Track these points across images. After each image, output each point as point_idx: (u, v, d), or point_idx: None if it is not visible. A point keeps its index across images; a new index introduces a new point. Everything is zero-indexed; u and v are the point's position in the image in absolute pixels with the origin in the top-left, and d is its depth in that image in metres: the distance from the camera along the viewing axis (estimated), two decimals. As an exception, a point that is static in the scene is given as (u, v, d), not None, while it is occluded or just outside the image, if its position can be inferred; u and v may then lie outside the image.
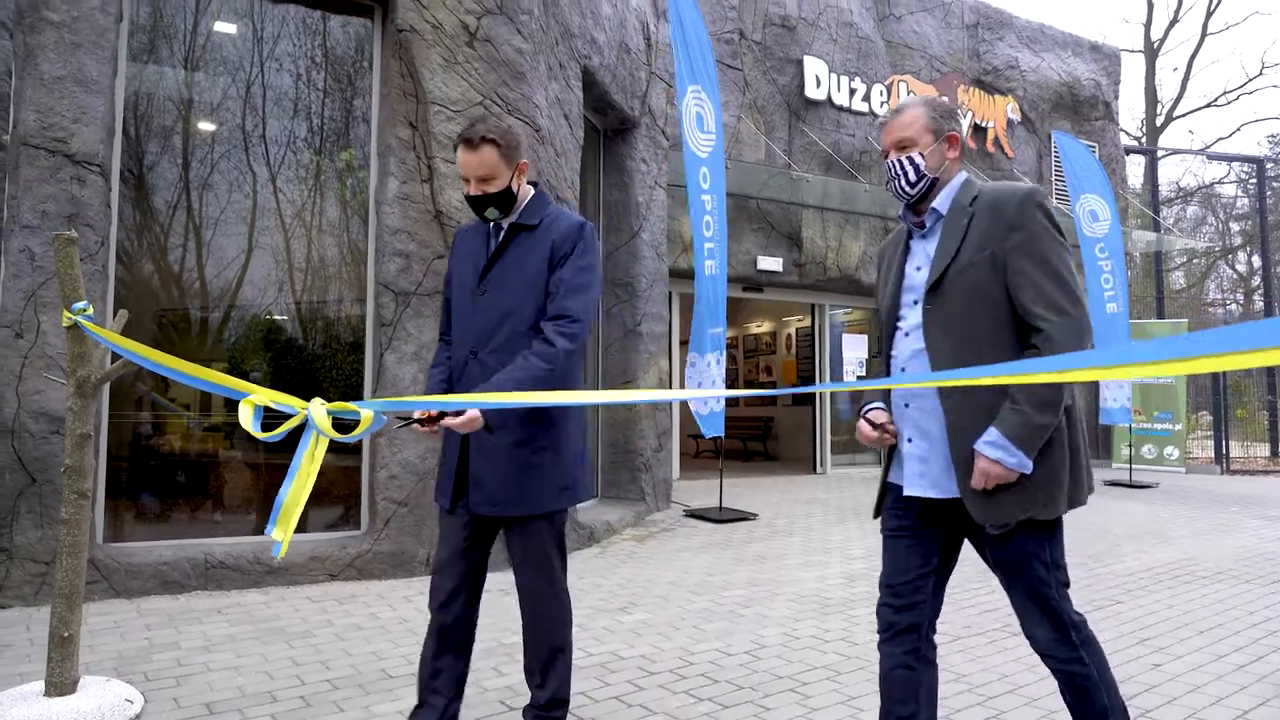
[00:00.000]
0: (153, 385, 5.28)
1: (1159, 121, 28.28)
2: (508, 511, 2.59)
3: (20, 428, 4.42)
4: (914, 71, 13.78)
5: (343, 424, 2.12)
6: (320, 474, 2.25)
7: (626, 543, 6.74)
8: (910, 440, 2.36)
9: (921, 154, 2.31)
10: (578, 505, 6.09)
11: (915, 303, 2.33)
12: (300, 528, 5.46)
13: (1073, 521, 8.21)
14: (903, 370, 2.35)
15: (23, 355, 4.45)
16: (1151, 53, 28.35)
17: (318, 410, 2.06)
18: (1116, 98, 16.33)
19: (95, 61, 4.70)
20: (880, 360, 2.51)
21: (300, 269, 5.72)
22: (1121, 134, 17.06)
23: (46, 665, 3.03)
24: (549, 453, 2.60)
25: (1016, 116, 14.71)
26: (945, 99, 2.45)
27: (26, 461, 4.42)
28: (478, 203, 2.63)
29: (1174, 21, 29.46)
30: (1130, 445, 12.27)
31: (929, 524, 2.36)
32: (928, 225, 2.36)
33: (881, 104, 13.26)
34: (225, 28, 5.53)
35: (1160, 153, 21.27)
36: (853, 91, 13.00)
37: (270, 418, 2.16)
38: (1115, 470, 13.53)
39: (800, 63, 12.51)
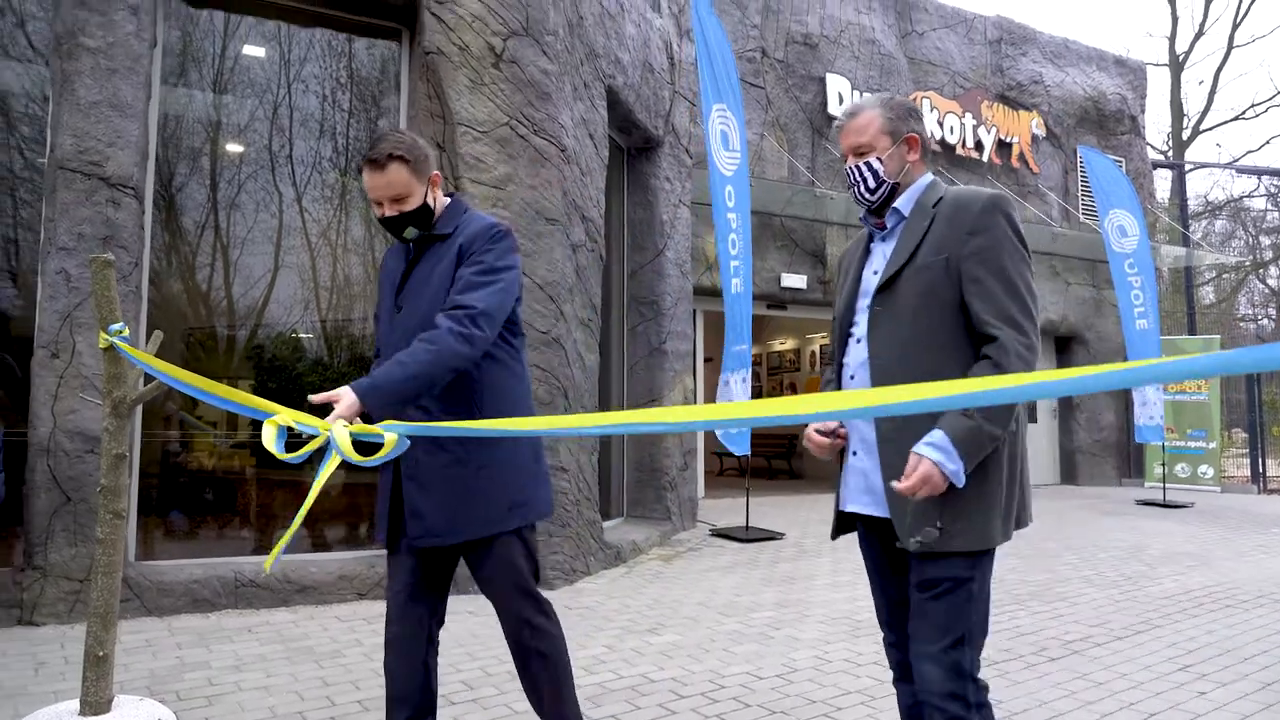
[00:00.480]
0: (182, 404, 5.32)
1: (1186, 135, 28.02)
2: (450, 539, 2.37)
3: (55, 446, 4.47)
4: (937, 88, 13.75)
5: (365, 446, 2.06)
6: (347, 492, 2.24)
7: (653, 562, 6.70)
8: (855, 453, 2.22)
9: (879, 159, 2.20)
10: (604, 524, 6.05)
11: (868, 306, 2.19)
12: (327, 546, 5.48)
13: (1104, 543, 8.08)
14: (851, 379, 2.22)
15: (59, 375, 4.51)
16: (1177, 66, 28.13)
17: (340, 432, 2.03)
18: (1143, 112, 16.19)
19: (130, 86, 4.78)
20: (832, 369, 2.37)
21: (325, 287, 5.77)
22: (1148, 148, 16.90)
23: (82, 684, 3.03)
24: (489, 471, 2.39)
25: (1041, 132, 14.62)
26: (903, 98, 2.31)
27: (61, 480, 4.47)
28: (394, 224, 2.46)
29: (1199, 34, 29.22)
30: (1163, 464, 12.06)
31: (889, 547, 2.22)
32: (888, 226, 2.25)
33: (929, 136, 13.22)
34: (253, 51, 5.61)
35: (1188, 166, 21.07)
36: (876, 108, 12.97)
37: (294, 437, 2.15)
38: (1148, 490, 13.32)
39: (822, 80, 12.51)
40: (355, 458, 2.01)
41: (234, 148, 5.55)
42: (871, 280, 2.22)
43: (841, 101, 12.62)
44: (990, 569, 2.07)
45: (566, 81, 6.11)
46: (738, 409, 1.57)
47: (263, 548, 5.39)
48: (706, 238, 10.90)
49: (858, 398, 1.46)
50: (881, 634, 2.35)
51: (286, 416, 2.12)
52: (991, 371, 1.96)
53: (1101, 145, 15.22)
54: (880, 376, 2.11)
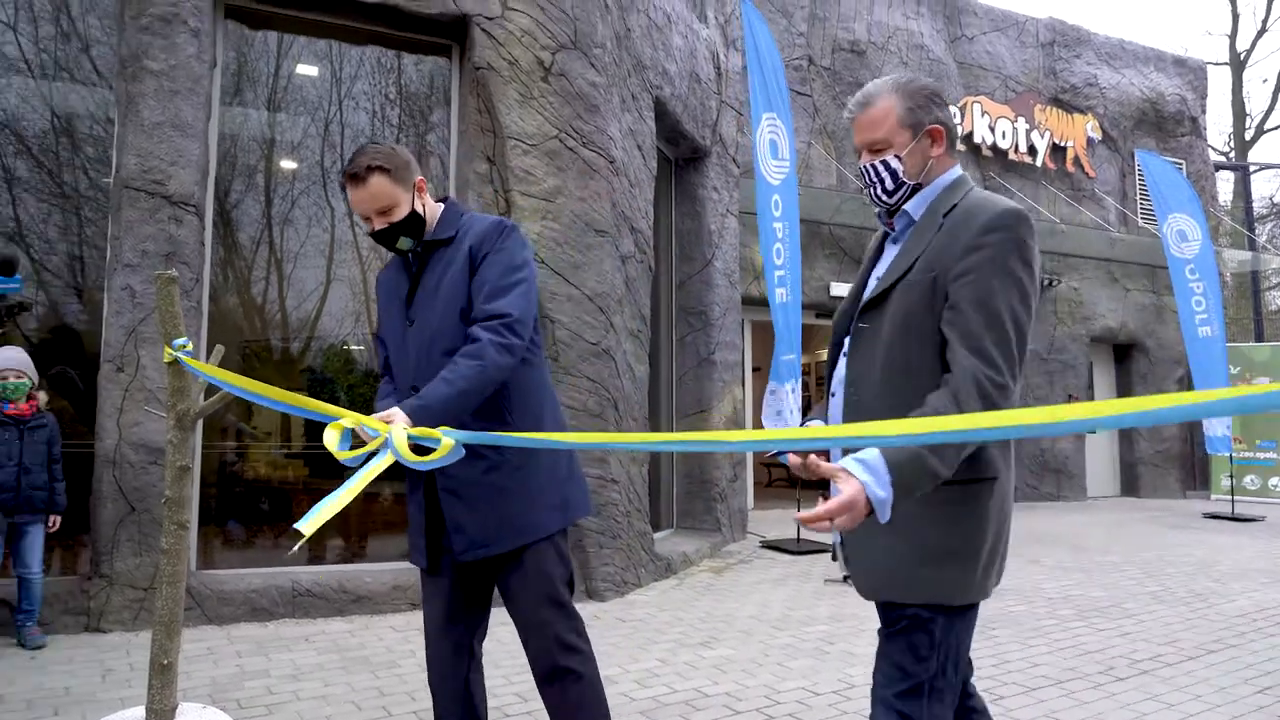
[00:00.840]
0: (239, 415, 5.43)
1: (1249, 135, 27.19)
2: (496, 549, 2.27)
3: (121, 458, 4.58)
4: (988, 92, 13.54)
5: (419, 449, 2.04)
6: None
7: (704, 574, 6.65)
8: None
9: (898, 156, 1.90)
10: (654, 535, 6.03)
11: (854, 321, 1.97)
12: (381, 556, 5.53)
13: (1171, 557, 7.83)
14: (833, 395, 2.00)
15: (124, 389, 4.63)
16: (1238, 64, 27.34)
17: (399, 434, 2.03)
18: (1203, 112, 15.75)
19: (191, 107, 4.90)
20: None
21: (375, 300, 5.84)
22: (1209, 150, 16.43)
23: (147, 692, 3.09)
24: (526, 470, 2.31)
25: (1097, 135, 14.31)
26: (925, 80, 1.96)
27: (126, 491, 4.58)
28: (386, 237, 2.37)
29: (1261, 31, 28.35)
30: (1231, 476, 11.67)
31: None
32: (897, 229, 1.98)
33: (955, 125, 13.03)
34: (306, 70, 5.73)
35: (1252, 168, 20.44)
36: (925, 114, 12.81)
37: (355, 442, 2.16)
38: (1215, 502, 12.89)
39: (871, 87, 12.38)
40: (411, 458, 1.99)
41: (287, 164, 5.67)
42: (872, 288, 1.96)
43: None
44: (966, 624, 1.81)
45: (614, 93, 6.13)
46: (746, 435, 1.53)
47: (318, 558, 5.46)
48: (754, 247, 10.84)
49: (847, 430, 1.37)
50: None
51: (350, 419, 2.14)
52: (946, 406, 1.66)
53: (1160, 148, 14.84)
54: (851, 404, 1.90)
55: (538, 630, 2.28)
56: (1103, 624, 5.11)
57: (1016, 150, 13.51)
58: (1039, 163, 13.70)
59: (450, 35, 5.83)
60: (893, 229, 1.99)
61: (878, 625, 1.86)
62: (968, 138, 13.20)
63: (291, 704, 3.55)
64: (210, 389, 3.21)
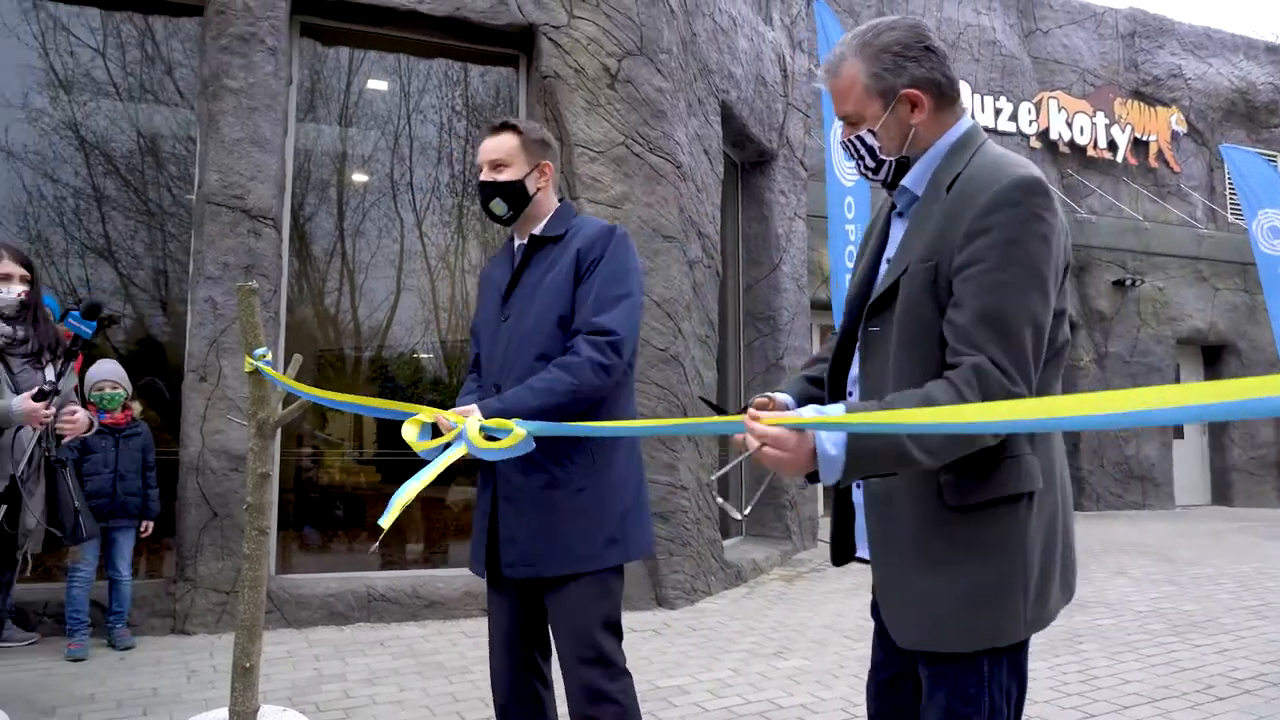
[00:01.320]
0: (314, 423, 5.55)
1: (1345, 125, 25.84)
2: (544, 570, 2.15)
3: (204, 465, 4.72)
4: (1064, 87, 13.13)
5: (492, 439, 2.03)
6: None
7: (775, 583, 6.55)
8: (857, 485, 1.71)
9: (871, 130, 1.63)
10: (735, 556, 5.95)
11: (863, 325, 1.69)
12: (454, 562, 5.59)
13: (1272, 570, 7.44)
14: (850, 394, 1.71)
15: (206, 398, 4.77)
16: (1333, 52, 26.01)
17: (472, 424, 2.03)
18: (1297, 102, 15.01)
19: (269, 123, 5.04)
20: (821, 367, 1.83)
21: (444, 309, 5.94)
22: (1304, 141, 15.63)
23: (230, 694, 3.16)
24: (587, 494, 2.17)
25: (1182, 128, 13.75)
26: (897, 29, 1.61)
27: (209, 497, 4.71)
28: (483, 191, 2.34)
29: (1359, 16, 26.94)
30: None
31: None
32: (900, 206, 1.70)
33: (1030, 122, 12.66)
34: (376, 84, 5.84)
35: (1350, 159, 19.38)
36: (998, 111, 12.49)
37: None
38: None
39: (941, 85, 12.12)
40: (483, 445, 1.98)
41: (359, 177, 5.79)
42: (881, 280, 1.66)
43: (962, 106, 12.19)
44: (1018, 657, 1.57)
45: (681, 98, 6.11)
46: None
47: (391, 562, 5.55)
48: (822, 251, 10.69)
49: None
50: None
51: (428, 414, 2.16)
52: (946, 396, 1.40)
53: (1251, 139, 14.18)
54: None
55: (571, 669, 2.16)
56: (1198, 640, 4.87)
57: (1095, 146, 13.07)
58: (1120, 158, 13.22)
59: (517, 45, 5.88)
60: (896, 204, 1.71)
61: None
62: (1043, 134, 12.81)
63: (368, 708, 3.60)
64: (289, 397, 3.27)
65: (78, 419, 3.22)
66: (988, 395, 1.39)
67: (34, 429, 3.09)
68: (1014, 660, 1.55)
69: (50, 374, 3.30)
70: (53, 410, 3.03)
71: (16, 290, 3.20)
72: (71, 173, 5.25)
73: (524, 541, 2.17)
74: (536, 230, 2.36)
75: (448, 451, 2.06)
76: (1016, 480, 1.49)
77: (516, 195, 2.32)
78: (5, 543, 3.24)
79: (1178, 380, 13.34)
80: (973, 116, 11.90)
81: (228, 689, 3.20)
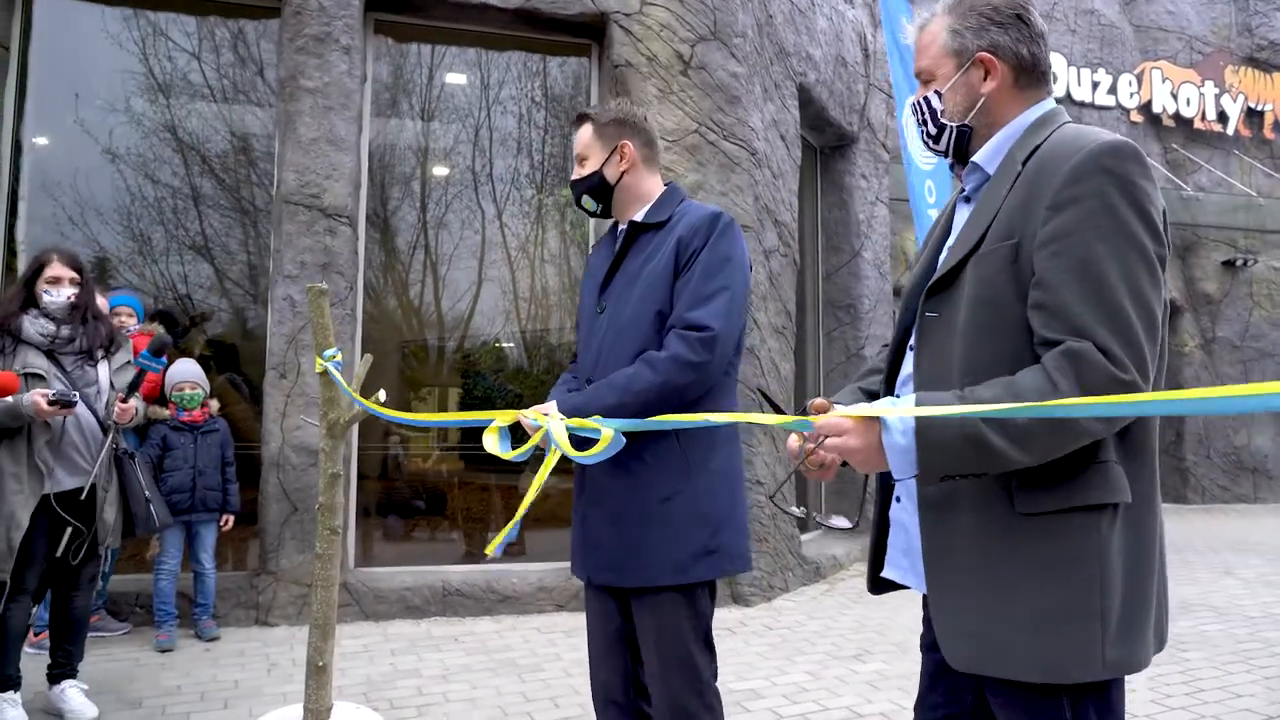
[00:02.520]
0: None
1: None
2: (627, 581, 2.06)
3: (284, 460, 4.82)
4: (1169, 56, 12.38)
5: (581, 444, 1.96)
6: (547, 500, 2.20)
7: (855, 579, 6.38)
8: (899, 499, 1.57)
9: (938, 91, 1.53)
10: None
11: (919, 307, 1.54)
12: (527, 557, 5.60)
13: (1401, 570, 6.89)
14: (897, 398, 1.53)
15: (285, 394, 4.87)
16: None
17: (557, 427, 1.95)
18: None
19: (343, 122, 5.09)
20: (879, 376, 1.70)
21: (525, 298, 5.95)
22: None
23: (305, 691, 3.20)
24: (678, 502, 2.03)
25: (1301, 95, 12.83)
26: None
27: (289, 492, 4.81)
28: (573, 189, 2.28)
29: None
30: None
31: None
32: (967, 188, 1.56)
33: (1131, 95, 11.99)
34: (455, 78, 5.86)
35: None
36: (1095, 84, 11.87)
37: (515, 440, 2.15)
38: None
39: (1034, 58, 11.58)
40: (572, 452, 1.90)
41: (440, 170, 5.83)
42: (942, 264, 1.52)
43: (1055, 80, 11.60)
44: (1110, 712, 1.36)
45: (756, 83, 5.94)
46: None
47: (469, 555, 5.59)
48: (906, 235, 10.35)
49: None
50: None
51: (504, 418, 2.12)
52: (1034, 382, 1.26)
53: (1379, 106, 13.15)
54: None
55: (657, 684, 2.06)
56: (1320, 652, 4.53)
57: (1203, 118, 12.31)
58: (1230, 130, 12.42)
59: (589, 35, 5.81)
60: (964, 187, 1.58)
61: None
62: (1145, 107, 12.11)
63: (440, 706, 3.61)
64: (362, 395, 3.28)
65: (129, 406, 3.35)
66: (1086, 383, 1.23)
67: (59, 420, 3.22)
68: (1106, 705, 1.35)
69: (104, 372, 3.42)
70: (68, 411, 3.15)
71: (67, 293, 3.32)
72: (170, 173, 5.43)
73: (609, 548, 2.08)
74: (638, 216, 2.22)
75: (545, 460, 1.98)
76: (1101, 489, 1.32)
77: (598, 187, 2.22)
78: (88, 540, 3.36)
79: (1295, 366, 12.52)
80: (1068, 91, 11.35)
81: (304, 684, 3.25)
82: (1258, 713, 3.59)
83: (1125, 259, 1.28)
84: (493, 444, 2.10)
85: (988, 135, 1.51)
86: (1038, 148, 1.42)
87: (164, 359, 3.70)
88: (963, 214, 1.56)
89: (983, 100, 1.50)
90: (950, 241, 1.53)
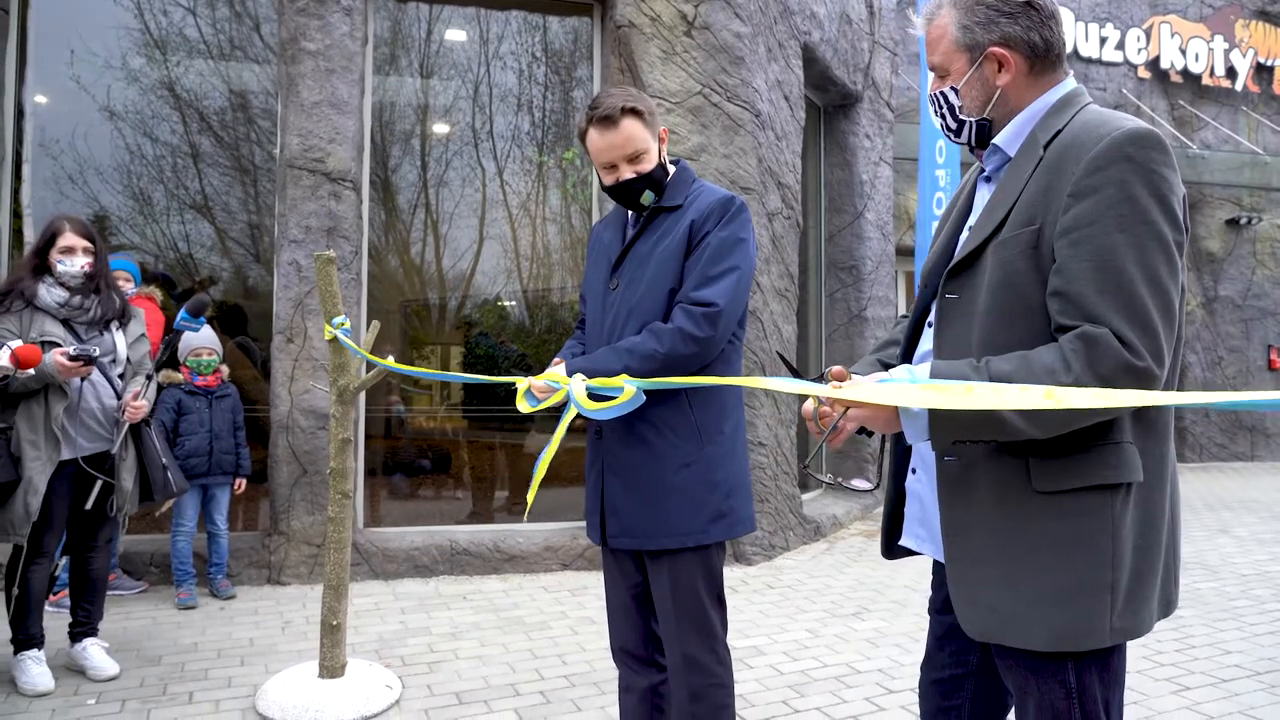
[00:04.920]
0: (400, 377, 5.68)
1: None
2: (646, 544, 2.16)
3: (293, 424, 4.88)
4: (1179, 10, 12.19)
5: (601, 398, 2.07)
6: (558, 460, 2.32)
7: (855, 538, 6.48)
8: (914, 471, 1.64)
9: (954, 88, 1.54)
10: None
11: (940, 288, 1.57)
12: (533, 517, 5.69)
13: (1392, 529, 6.98)
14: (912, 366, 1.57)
15: (293, 358, 4.91)
16: None
17: (577, 385, 2.06)
18: None
19: (345, 85, 5.06)
20: (902, 330, 1.76)
21: (526, 257, 5.97)
22: None
23: (320, 649, 3.30)
24: (694, 469, 2.14)
25: (1311, 51, 12.66)
26: None
27: (299, 454, 4.89)
28: (630, 190, 2.19)
29: None
30: None
31: None
32: (988, 170, 1.59)
33: (1139, 50, 11.83)
34: (455, 35, 5.81)
35: None
36: (1103, 40, 11.71)
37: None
38: None
39: (1041, 13, 11.41)
40: (591, 406, 2.00)
41: (440, 128, 5.81)
42: (963, 245, 1.56)
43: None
44: (1107, 676, 1.45)
45: (760, 43, 5.89)
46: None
47: (476, 514, 5.68)
48: (909, 195, 10.31)
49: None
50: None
51: (524, 383, 2.24)
52: (1052, 372, 1.30)
53: (1390, 61, 12.98)
54: None
55: (672, 639, 2.18)
56: (1309, 609, 4.63)
57: (1212, 74, 12.17)
58: (1239, 86, 12.28)
59: (591, -6, 5.75)
60: (984, 167, 1.60)
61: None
62: (1153, 63, 11.97)
63: (450, 663, 3.71)
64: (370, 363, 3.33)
65: (140, 406, 3.39)
66: (1098, 367, 1.28)
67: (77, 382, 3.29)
68: (1106, 669, 1.44)
69: (120, 341, 3.47)
70: (88, 369, 3.21)
71: (80, 262, 3.35)
72: (169, 131, 5.41)
73: (628, 515, 2.18)
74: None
75: (563, 417, 2.12)
76: (1115, 469, 1.38)
77: (661, 179, 2.23)
78: (104, 506, 3.43)
79: (1296, 325, 12.54)
80: (1075, 47, 11.21)
81: (318, 642, 3.35)
82: (1246, 669, 3.69)
83: (1144, 248, 1.31)
84: (523, 406, 2.23)
85: (1007, 120, 1.53)
86: (1059, 132, 1.43)
87: (203, 319, 3.75)
88: (983, 194, 1.59)
89: (999, 92, 1.52)
90: (971, 222, 1.57)
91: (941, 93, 1.55)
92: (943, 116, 1.59)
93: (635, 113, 2.15)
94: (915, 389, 1.31)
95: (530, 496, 2.20)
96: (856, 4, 7.69)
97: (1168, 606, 1.50)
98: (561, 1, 5.80)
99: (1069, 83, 1.53)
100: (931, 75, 1.60)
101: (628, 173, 2.18)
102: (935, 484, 1.53)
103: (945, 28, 1.52)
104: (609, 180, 2.21)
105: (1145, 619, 1.43)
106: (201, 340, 4.55)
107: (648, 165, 2.18)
